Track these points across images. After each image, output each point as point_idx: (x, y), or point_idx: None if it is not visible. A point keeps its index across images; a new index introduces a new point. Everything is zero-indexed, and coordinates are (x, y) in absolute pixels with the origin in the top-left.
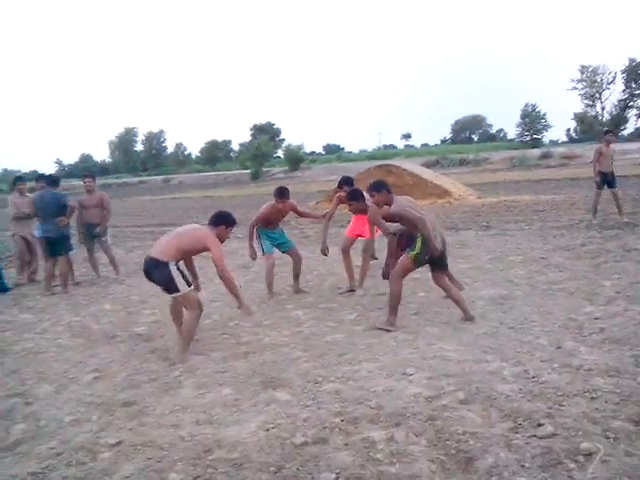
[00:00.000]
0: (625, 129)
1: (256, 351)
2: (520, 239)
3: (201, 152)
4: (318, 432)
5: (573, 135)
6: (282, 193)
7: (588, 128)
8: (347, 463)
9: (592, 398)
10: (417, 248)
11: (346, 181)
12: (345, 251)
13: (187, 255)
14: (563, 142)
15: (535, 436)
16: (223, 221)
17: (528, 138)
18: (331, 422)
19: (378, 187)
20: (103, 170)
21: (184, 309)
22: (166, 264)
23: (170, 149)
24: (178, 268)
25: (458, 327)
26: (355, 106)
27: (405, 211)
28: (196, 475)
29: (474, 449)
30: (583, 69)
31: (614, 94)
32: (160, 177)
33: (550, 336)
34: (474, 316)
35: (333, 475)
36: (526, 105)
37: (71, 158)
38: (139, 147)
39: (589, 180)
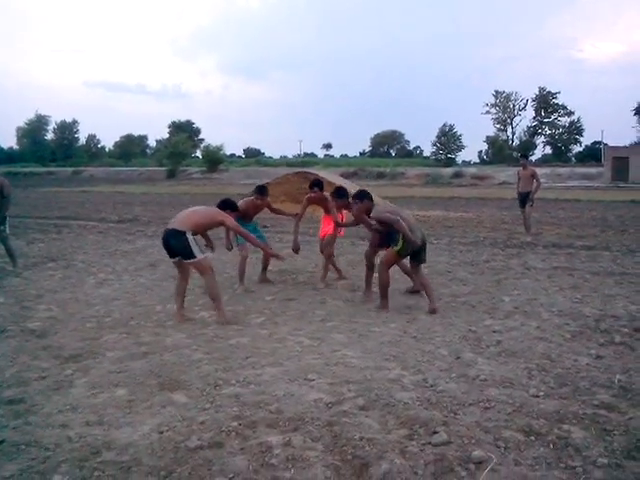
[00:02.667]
0: (533, 155)
1: (156, 352)
2: (428, 252)
3: (115, 146)
4: (214, 436)
5: (484, 157)
6: (262, 191)
7: (498, 151)
8: (241, 468)
9: (486, 408)
10: (399, 244)
11: (316, 183)
12: (322, 251)
13: (202, 229)
14: (475, 163)
15: (430, 443)
16: (229, 206)
17: (443, 157)
18: (228, 426)
19: (361, 196)
20: (8, 157)
21: (201, 276)
22: (184, 233)
23: (83, 140)
24: (194, 238)
25: (363, 334)
26: (277, 112)
27: (383, 216)
28: (81, 477)
29: (369, 455)
30: (497, 94)
31: (524, 120)
32: (70, 169)
33: (450, 346)
34: (438, 309)
35: None
36: (444, 125)
37: None
38: (50, 136)
39: (497, 200)
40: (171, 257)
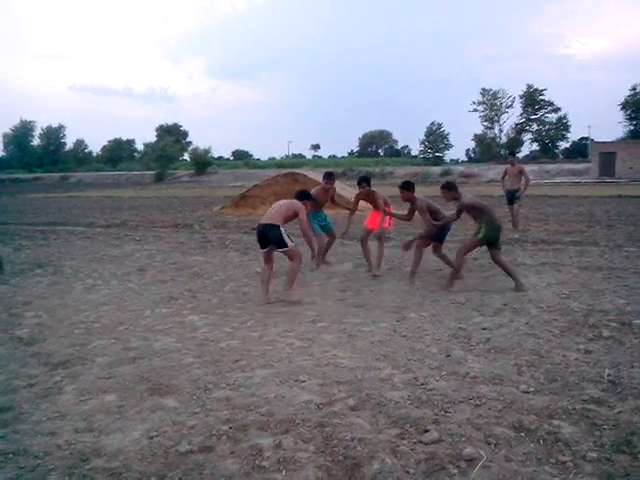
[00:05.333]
0: (520, 151)
1: (145, 357)
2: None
3: (103, 150)
4: (204, 440)
5: (472, 155)
6: (330, 176)
7: (486, 149)
8: (232, 471)
9: (476, 405)
10: (482, 231)
11: (364, 179)
12: (363, 241)
13: (288, 220)
14: (463, 161)
15: (421, 442)
16: (305, 196)
17: (431, 155)
18: (219, 430)
19: (408, 186)
20: None
21: (288, 261)
22: (278, 227)
23: (70, 146)
24: (285, 230)
25: (353, 334)
26: (265, 114)
27: (475, 202)
28: None
29: (361, 455)
30: (484, 92)
31: (512, 118)
32: (57, 174)
33: (440, 344)
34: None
35: None
36: (432, 124)
37: None
38: (36, 142)
39: (485, 198)
40: (262, 248)
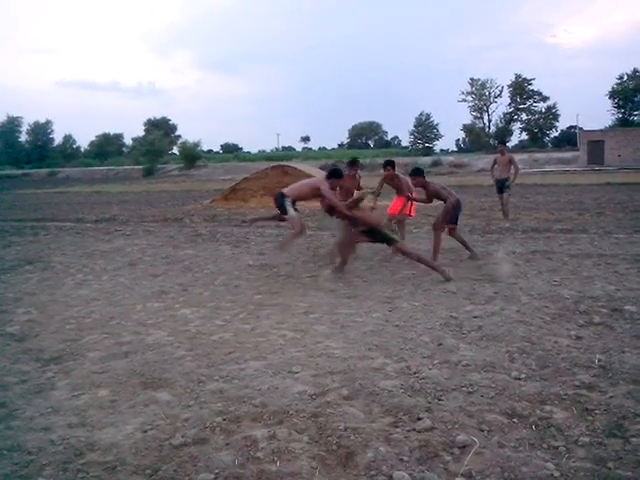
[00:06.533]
0: (510, 141)
1: (137, 351)
2: (408, 241)
3: (91, 145)
4: (198, 432)
5: (462, 145)
6: (353, 162)
7: (476, 139)
8: (227, 463)
9: (469, 392)
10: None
11: (389, 163)
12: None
13: (303, 197)
14: (453, 151)
15: (414, 430)
16: (332, 175)
17: (420, 146)
18: (212, 422)
19: (418, 172)
20: None
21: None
22: (284, 196)
23: (58, 141)
24: (291, 202)
25: (345, 325)
26: (254, 106)
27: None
28: (65, 479)
29: (355, 444)
30: (473, 82)
31: (500, 107)
32: (45, 170)
33: (432, 333)
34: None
35: (212, 475)
36: (421, 114)
37: None
38: (23, 138)
39: (475, 187)
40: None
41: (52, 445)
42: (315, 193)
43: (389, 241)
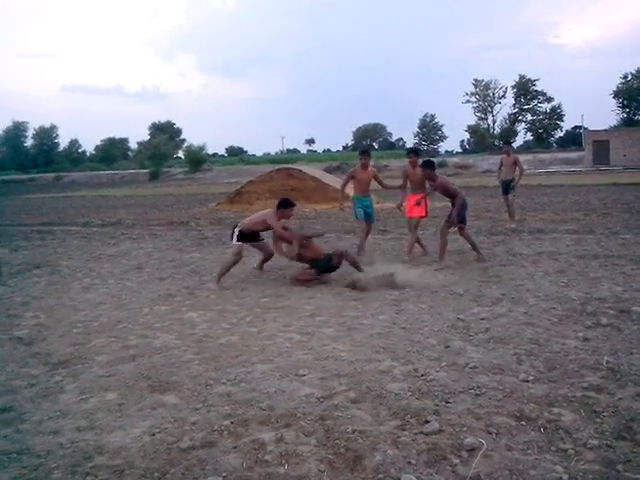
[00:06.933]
0: (514, 141)
1: (145, 354)
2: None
3: (96, 150)
4: (206, 435)
5: (466, 146)
6: (364, 152)
7: (480, 140)
8: (235, 466)
9: (476, 395)
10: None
11: (412, 149)
12: (412, 230)
13: (256, 227)
14: (457, 152)
15: (422, 433)
16: (280, 205)
17: (425, 147)
18: (220, 425)
19: (429, 164)
20: None
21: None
22: (235, 227)
23: (63, 146)
24: (238, 232)
25: (352, 327)
26: (258, 109)
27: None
28: None
29: (362, 447)
30: (477, 83)
31: (505, 108)
32: (51, 175)
33: (439, 336)
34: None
35: (220, 478)
36: (425, 115)
37: None
38: (29, 142)
39: (480, 189)
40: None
41: (61, 448)
42: (265, 225)
43: (332, 269)
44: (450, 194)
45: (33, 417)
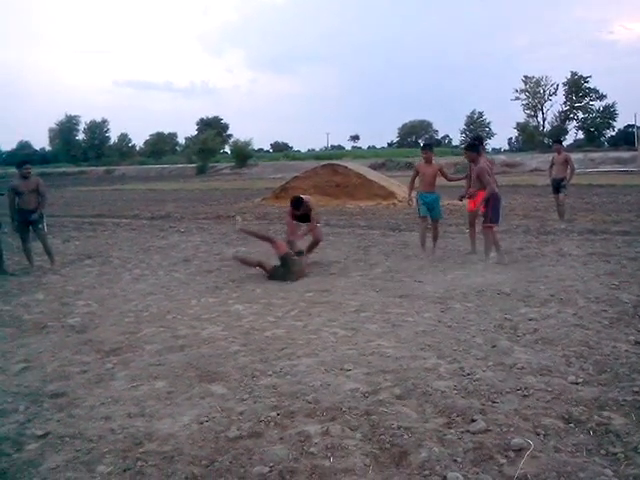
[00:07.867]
0: (565, 140)
1: (193, 345)
2: (457, 242)
3: (146, 144)
4: (253, 426)
5: (515, 144)
6: (425, 145)
7: (529, 138)
8: (281, 456)
9: (524, 396)
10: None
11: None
12: (471, 224)
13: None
14: (505, 150)
15: (468, 431)
16: (291, 205)
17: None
18: (267, 416)
19: (473, 148)
20: (42, 159)
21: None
22: None
23: (113, 139)
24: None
25: (397, 324)
26: (304, 106)
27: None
28: (125, 467)
29: (408, 443)
30: (527, 80)
31: (555, 106)
32: (102, 168)
33: (486, 335)
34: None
35: (266, 468)
36: (473, 112)
37: (8, 145)
38: (81, 136)
39: (529, 187)
40: None
41: (112, 434)
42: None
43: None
44: (482, 183)
45: (85, 403)
